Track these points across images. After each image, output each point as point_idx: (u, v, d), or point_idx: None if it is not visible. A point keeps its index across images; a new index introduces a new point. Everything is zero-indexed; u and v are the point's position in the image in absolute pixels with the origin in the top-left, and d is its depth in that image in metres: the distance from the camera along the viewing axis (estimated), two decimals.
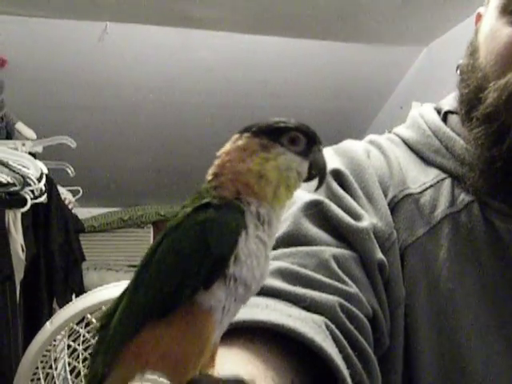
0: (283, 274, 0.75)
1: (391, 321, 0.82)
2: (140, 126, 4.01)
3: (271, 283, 0.73)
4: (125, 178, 4.55)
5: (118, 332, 0.48)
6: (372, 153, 0.94)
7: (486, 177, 0.85)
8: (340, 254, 0.80)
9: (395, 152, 0.95)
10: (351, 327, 0.74)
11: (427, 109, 0.99)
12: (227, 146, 0.51)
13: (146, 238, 5.02)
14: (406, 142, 0.97)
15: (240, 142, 0.51)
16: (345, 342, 0.71)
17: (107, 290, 1.57)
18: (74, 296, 2.83)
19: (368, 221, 0.83)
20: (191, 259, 0.47)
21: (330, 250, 0.80)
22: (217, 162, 0.51)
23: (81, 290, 3.07)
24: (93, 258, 4.39)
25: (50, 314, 2.52)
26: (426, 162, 0.93)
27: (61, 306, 2.52)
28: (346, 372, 0.65)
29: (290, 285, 0.74)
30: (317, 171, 0.52)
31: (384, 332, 0.81)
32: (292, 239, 0.81)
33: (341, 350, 0.69)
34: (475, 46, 0.92)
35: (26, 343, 1.67)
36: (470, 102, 0.89)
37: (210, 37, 3.33)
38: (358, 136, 1.08)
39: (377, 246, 0.82)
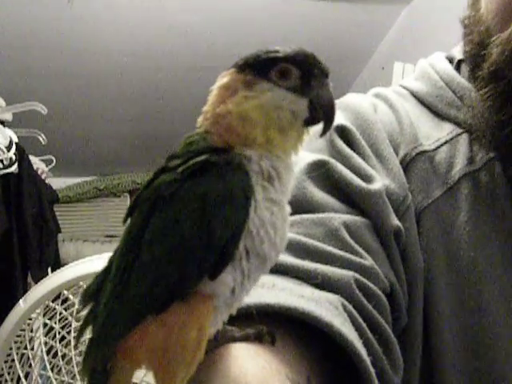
0: (289, 247, 0.65)
1: (409, 295, 0.74)
2: (114, 91, 3.89)
3: None
4: (99, 146, 4.44)
5: (109, 326, 0.43)
6: (379, 107, 0.84)
7: (499, 141, 0.76)
8: (351, 222, 0.70)
9: (404, 106, 0.85)
10: (369, 306, 0.65)
11: (438, 58, 0.89)
12: (214, 85, 0.45)
13: (123, 207, 4.93)
14: (415, 95, 0.87)
15: (223, 80, 0.45)
16: (364, 325, 0.62)
17: (84, 264, 1.46)
18: (49, 269, 2.74)
19: (380, 182, 0.73)
20: (194, 246, 0.40)
21: (340, 216, 0.70)
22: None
23: (56, 263, 2.99)
24: (68, 229, 4.32)
25: (25, 288, 2.43)
26: (439, 115, 0.84)
27: (36, 280, 2.44)
28: (368, 361, 0.56)
29: (298, 259, 0.65)
30: (320, 111, 0.44)
31: (402, 308, 0.72)
32: (295, 206, 0.68)
33: (360, 334, 0.60)
34: None
35: (0, 321, 1.58)
36: (475, 59, 0.80)
37: None
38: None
39: (391, 210, 0.73)
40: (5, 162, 2.29)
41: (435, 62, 0.88)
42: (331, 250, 0.67)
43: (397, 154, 0.79)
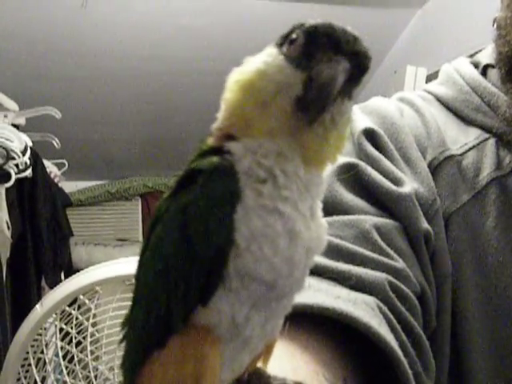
0: None
1: (437, 299, 0.73)
2: (125, 95, 3.89)
3: None
4: (111, 150, 4.44)
5: (127, 357, 0.40)
6: (405, 111, 0.84)
7: None
8: (382, 224, 0.70)
9: (430, 110, 0.84)
10: (403, 309, 0.65)
11: (462, 63, 0.89)
12: None
13: (134, 210, 4.93)
14: (440, 100, 0.86)
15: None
16: (399, 327, 0.62)
17: (99, 269, 1.46)
18: (62, 273, 2.74)
19: (410, 186, 0.73)
20: (178, 268, 0.35)
21: (371, 219, 0.70)
22: None
23: (69, 267, 2.99)
24: (80, 232, 4.31)
25: (39, 293, 2.43)
26: (465, 120, 0.83)
27: (49, 284, 2.44)
28: (406, 363, 0.55)
29: (331, 260, 0.65)
30: (314, 89, 0.35)
31: (432, 312, 0.72)
32: (326, 207, 0.69)
33: (396, 336, 0.60)
34: None
35: (14, 324, 1.59)
36: (511, 60, 0.79)
37: (194, 1, 3.20)
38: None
39: (421, 214, 0.73)
40: (20, 167, 2.29)
41: (460, 67, 0.87)
42: (363, 251, 0.67)
43: (424, 158, 0.78)
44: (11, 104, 2.79)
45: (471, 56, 0.91)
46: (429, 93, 0.88)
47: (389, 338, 0.56)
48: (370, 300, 0.61)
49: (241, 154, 0.36)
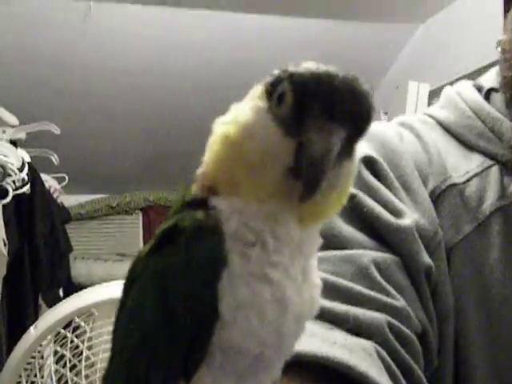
0: None
1: (439, 336, 0.70)
2: (126, 110, 3.88)
3: None
4: (112, 164, 4.41)
5: None
6: (405, 136, 0.80)
7: None
8: (381, 259, 0.67)
9: (431, 135, 0.81)
10: (403, 352, 0.61)
11: (465, 86, 0.86)
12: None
13: (135, 224, 4.88)
14: (442, 124, 0.83)
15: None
16: (399, 374, 0.59)
17: (96, 291, 1.44)
18: (61, 291, 2.72)
19: (410, 218, 0.70)
20: (155, 341, 0.32)
21: (369, 254, 0.66)
22: None
23: (68, 283, 2.96)
24: (80, 247, 4.28)
25: (36, 310, 2.40)
26: (468, 146, 0.80)
27: (47, 301, 2.41)
28: None
29: (327, 300, 0.61)
30: (306, 162, 0.31)
31: (433, 351, 0.68)
32: (322, 240, 0.66)
33: (396, 383, 0.57)
34: None
35: (10, 344, 1.55)
36: None
37: (199, 16, 3.19)
38: None
39: (422, 247, 0.69)
40: (17, 183, 2.27)
41: (463, 91, 0.84)
42: (361, 290, 0.63)
43: (425, 187, 0.75)
44: (11, 118, 2.77)
45: (473, 74, 0.88)
46: (430, 116, 0.85)
47: None
48: (368, 345, 0.58)
49: (227, 213, 0.33)
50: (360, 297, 0.62)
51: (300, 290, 0.34)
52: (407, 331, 0.63)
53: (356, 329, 0.59)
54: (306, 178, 0.31)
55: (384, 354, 0.58)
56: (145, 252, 0.35)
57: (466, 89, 0.84)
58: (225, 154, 0.33)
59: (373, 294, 0.63)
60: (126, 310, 0.35)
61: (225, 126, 0.34)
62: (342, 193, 0.35)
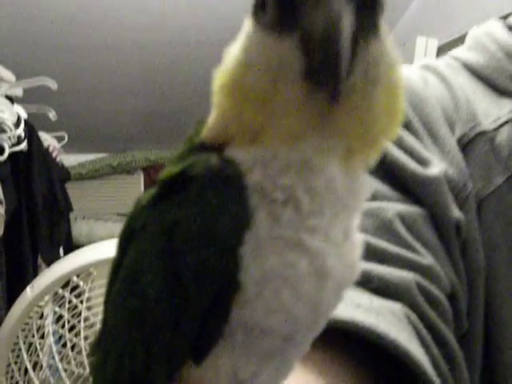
0: None
1: (468, 296, 0.64)
2: (127, 66, 3.80)
3: None
4: (112, 123, 4.36)
5: None
6: (429, 80, 0.73)
7: None
8: (406, 212, 0.60)
9: (458, 79, 0.74)
10: (434, 315, 0.55)
11: (495, 26, 0.78)
12: None
13: (136, 184, 4.85)
14: (469, 67, 0.76)
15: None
16: (430, 339, 0.53)
17: (94, 249, 1.38)
18: (61, 250, 2.67)
19: (438, 167, 0.63)
20: (159, 316, 0.26)
21: (393, 206, 0.60)
22: None
23: (69, 242, 2.92)
24: (81, 206, 4.24)
25: (35, 270, 2.36)
26: (498, 90, 0.73)
27: (46, 261, 2.36)
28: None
29: None
30: (316, 54, 0.24)
31: (463, 313, 0.63)
32: None
33: (427, 350, 0.51)
34: None
35: (10, 303, 1.50)
36: None
37: None
38: None
39: (452, 200, 0.63)
40: (12, 140, 2.19)
41: (492, 31, 0.77)
42: (386, 246, 0.57)
43: (452, 134, 0.68)
44: (7, 74, 2.70)
45: (504, 18, 0.80)
46: (455, 59, 0.78)
47: (420, 357, 0.47)
48: (397, 308, 0.52)
49: (249, 164, 0.26)
50: (385, 254, 0.56)
51: (341, 253, 0.27)
52: (437, 292, 0.57)
53: (382, 289, 0.53)
54: (321, 62, 0.24)
55: (414, 317, 0.53)
56: (146, 200, 0.28)
57: (497, 29, 0.77)
58: (231, 104, 0.27)
59: (398, 250, 0.57)
60: (122, 274, 0.28)
61: (221, 74, 0.28)
62: (390, 89, 0.27)
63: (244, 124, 0.26)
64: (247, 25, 0.28)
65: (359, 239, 0.30)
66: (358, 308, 0.48)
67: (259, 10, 0.27)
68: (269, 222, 0.25)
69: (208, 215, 0.25)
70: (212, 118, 0.28)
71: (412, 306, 0.54)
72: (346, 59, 0.24)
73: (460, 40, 2.78)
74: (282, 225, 0.26)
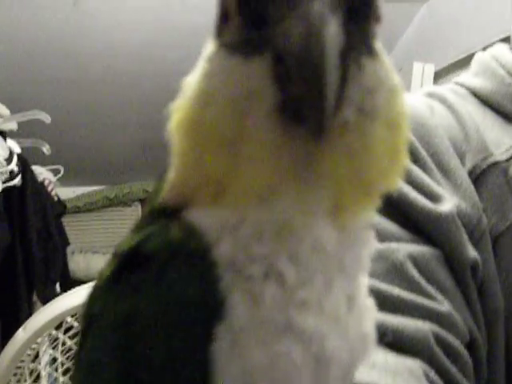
0: None
1: (487, 341, 0.59)
2: (121, 97, 3.77)
3: None
4: (109, 154, 4.35)
5: None
6: (436, 109, 0.69)
7: None
8: (418, 253, 0.56)
9: (466, 107, 0.70)
10: (453, 370, 0.51)
11: (501, 50, 0.74)
12: None
13: (134, 216, 4.83)
14: (477, 94, 0.72)
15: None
16: None
17: (88, 289, 1.32)
18: (58, 286, 2.62)
19: (450, 202, 0.59)
20: None
21: (404, 247, 0.56)
22: None
23: (66, 278, 2.87)
24: (78, 240, 4.20)
25: (30, 308, 2.31)
26: (508, 118, 0.69)
27: (41, 298, 2.31)
28: None
29: None
30: (295, 75, 0.19)
31: (483, 360, 0.57)
32: None
33: None
34: None
35: (4, 344, 1.45)
36: None
37: None
38: None
39: (466, 238, 0.58)
40: (5, 176, 2.16)
41: (500, 55, 0.73)
42: (398, 292, 0.52)
43: (463, 166, 0.64)
44: (1, 109, 2.67)
45: (503, 41, 0.76)
46: (462, 86, 0.74)
47: None
48: (414, 366, 0.47)
49: (215, 231, 0.21)
50: (397, 302, 0.52)
51: (345, 329, 0.22)
52: (456, 343, 0.52)
53: (397, 343, 0.48)
54: (301, 90, 0.19)
55: (432, 374, 0.48)
56: (106, 276, 0.24)
57: (503, 52, 0.73)
58: (187, 145, 0.23)
59: (412, 297, 0.52)
60: (79, 365, 0.24)
61: (179, 109, 0.24)
62: (392, 122, 0.22)
63: (205, 174, 0.22)
64: (209, 46, 0.23)
65: (369, 302, 0.25)
66: (374, 368, 0.44)
67: (224, 27, 0.22)
68: (247, 304, 0.20)
69: (167, 304, 0.20)
70: (172, 171, 0.24)
71: (430, 360, 0.49)
72: (334, 85, 0.19)
73: (457, 65, 2.76)
74: (264, 306, 0.21)
